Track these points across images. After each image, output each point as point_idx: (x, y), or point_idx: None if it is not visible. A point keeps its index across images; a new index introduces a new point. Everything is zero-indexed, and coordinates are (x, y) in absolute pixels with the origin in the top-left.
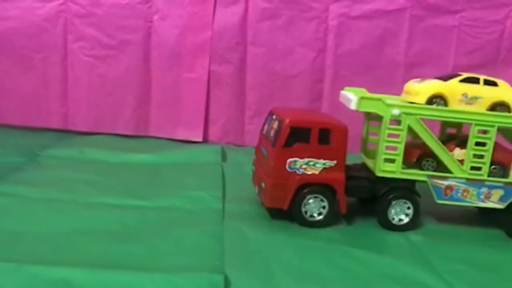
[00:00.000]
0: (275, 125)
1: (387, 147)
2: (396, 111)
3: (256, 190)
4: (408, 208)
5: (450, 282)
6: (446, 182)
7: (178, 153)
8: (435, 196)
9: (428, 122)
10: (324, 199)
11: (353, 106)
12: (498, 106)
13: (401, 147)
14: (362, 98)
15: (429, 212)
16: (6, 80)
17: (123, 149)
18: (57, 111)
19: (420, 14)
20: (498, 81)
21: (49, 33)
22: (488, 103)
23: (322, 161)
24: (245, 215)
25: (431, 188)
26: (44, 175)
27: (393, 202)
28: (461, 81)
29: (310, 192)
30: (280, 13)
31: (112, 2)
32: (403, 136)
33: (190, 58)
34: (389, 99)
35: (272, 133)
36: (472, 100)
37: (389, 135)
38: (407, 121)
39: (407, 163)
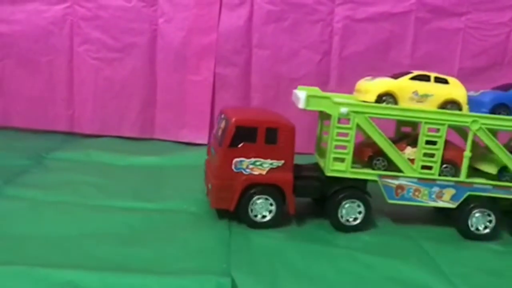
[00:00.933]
0: (223, 124)
1: (337, 146)
2: (344, 110)
3: (206, 191)
4: (359, 210)
5: (458, 286)
6: (397, 182)
7: (184, 156)
8: (386, 196)
9: (384, 121)
10: (272, 200)
11: (301, 105)
12: (449, 104)
13: (350, 146)
14: (310, 96)
15: (436, 215)
16: (13, 83)
17: (129, 151)
18: (63, 113)
19: (426, 17)
20: (450, 78)
21: (55, 36)
22: (439, 101)
23: (269, 161)
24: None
25: (382, 188)
26: (51, 177)
27: (343, 202)
28: (412, 78)
29: (257, 193)
30: (285, 15)
31: (117, 5)
32: (352, 135)
33: (195, 61)
34: (339, 97)
35: (220, 132)
36: (422, 98)
37: (338, 134)
38: (355, 120)
39: (360, 162)
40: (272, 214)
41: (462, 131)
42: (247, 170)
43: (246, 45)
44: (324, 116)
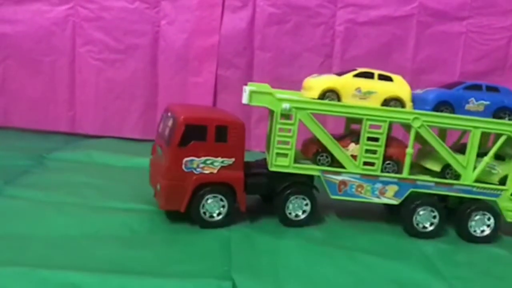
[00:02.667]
0: (170, 122)
1: (280, 142)
2: (286, 106)
3: (153, 192)
4: (306, 203)
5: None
6: (339, 177)
7: None
8: (329, 191)
9: (336, 118)
10: (224, 199)
11: (244, 100)
12: (392, 101)
13: (293, 142)
14: (252, 92)
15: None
16: (15, 83)
17: (130, 152)
18: (65, 114)
19: (427, 21)
20: (394, 76)
21: (57, 36)
22: (382, 98)
23: (220, 159)
24: (252, 220)
25: (325, 183)
26: (51, 178)
27: (291, 198)
28: (355, 76)
29: (208, 192)
30: (288, 18)
31: (120, 6)
32: (295, 130)
33: (197, 63)
34: (285, 93)
35: (167, 131)
36: (366, 95)
37: (281, 130)
38: (298, 116)
39: (307, 158)
40: (224, 213)
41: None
42: (198, 169)
43: (248, 47)
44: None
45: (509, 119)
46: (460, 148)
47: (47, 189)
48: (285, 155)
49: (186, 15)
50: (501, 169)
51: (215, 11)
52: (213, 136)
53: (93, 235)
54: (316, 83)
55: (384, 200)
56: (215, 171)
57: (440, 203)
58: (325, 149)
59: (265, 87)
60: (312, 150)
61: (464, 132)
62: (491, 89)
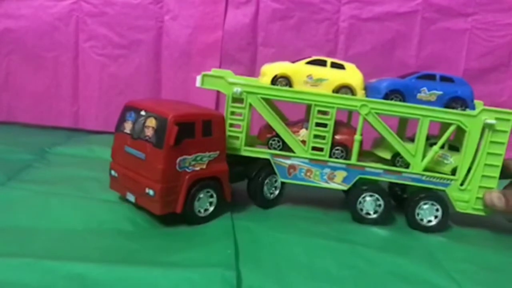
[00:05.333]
0: (151, 122)
1: (232, 125)
2: (237, 90)
3: (131, 198)
4: (276, 185)
5: (459, 281)
6: (289, 161)
7: None
8: (279, 175)
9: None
10: (213, 192)
11: (197, 83)
12: (342, 89)
13: (244, 125)
14: (205, 75)
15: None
16: (18, 79)
17: None
18: (68, 110)
19: (432, 17)
20: (347, 64)
21: (61, 32)
22: (334, 85)
23: (207, 153)
24: (253, 214)
25: (275, 167)
26: (54, 172)
27: (266, 181)
28: (308, 63)
29: (201, 188)
30: (291, 14)
31: (123, 2)
32: (246, 114)
33: (200, 58)
34: (241, 79)
35: (148, 132)
36: (317, 82)
37: (233, 113)
38: (248, 100)
39: (262, 143)
40: (213, 206)
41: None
42: (190, 167)
43: (251, 43)
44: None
45: (462, 110)
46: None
47: (50, 183)
48: (237, 137)
49: (190, 11)
50: (453, 160)
51: (219, 7)
52: (200, 131)
53: (96, 228)
54: (269, 69)
55: (332, 185)
56: (204, 166)
57: (399, 194)
58: (276, 134)
59: (229, 73)
60: (265, 135)
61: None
62: (445, 79)
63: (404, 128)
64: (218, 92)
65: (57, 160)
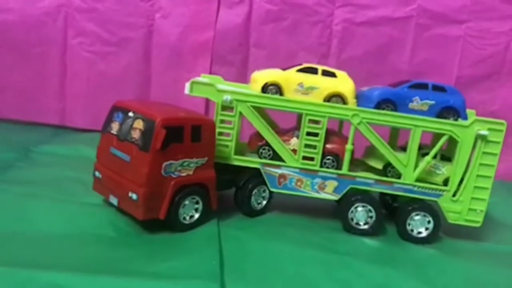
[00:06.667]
0: (139, 124)
1: (221, 134)
2: (227, 98)
3: (114, 201)
4: (264, 195)
5: None
6: (279, 171)
7: None
8: (269, 184)
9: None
10: (199, 199)
11: (186, 90)
12: (334, 97)
13: (233, 134)
14: (194, 82)
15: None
16: (3, 73)
17: None
18: (54, 106)
19: (426, 23)
20: (338, 72)
21: (48, 27)
22: (325, 93)
23: (195, 159)
24: (240, 221)
25: (265, 176)
26: (38, 172)
27: (254, 191)
28: (299, 70)
29: (186, 195)
30: (285, 16)
31: None
32: (236, 122)
33: (191, 58)
34: (231, 85)
35: (134, 134)
36: (308, 90)
37: (222, 121)
38: (238, 108)
39: (252, 151)
40: (199, 213)
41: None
42: (176, 173)
43: (243, 44)
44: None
45: (454, 120)
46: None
47: (32, 184)
48: (226, 146)
49: (181, 9)
50: (445, 170)
51: (211, 6)
52: (189, 136)
53: (78, 233)
54: (259, 77)
55: (323, 196)
56: (191, 172)
57: (390, 202)
58: (267, 142)
59: (218, 79)
60: (256, 143)
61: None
62: (438, 88)
63: (396, 137)
64: None
65: (42, 159)
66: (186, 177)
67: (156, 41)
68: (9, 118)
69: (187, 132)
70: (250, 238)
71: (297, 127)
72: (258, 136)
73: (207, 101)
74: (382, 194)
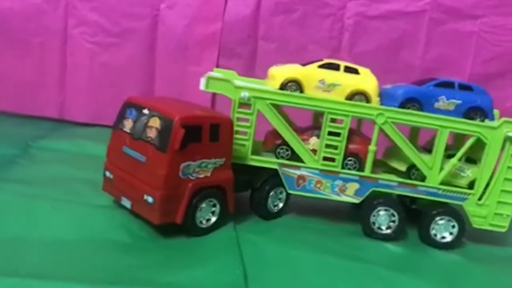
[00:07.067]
0: (155, 123)
1: (238, 132)
2: (245, 94)
3: (127, 204)
4: (281, 196)
5: None
6: (298, 172)
7: None
8: (287, 186)
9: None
10: (216, 202)
11: (202, 86)
12: (357, 95)
13: (251, 132)
14: (210, 78)
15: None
16: (0, 65)
17: None
18: (54, 99)
19: (440, 18)
20: (361, 68)
21: (48, 16)
22: (347, 91)
23: (213, 160)
24: (257, 225)
25: (283, 178)
26: (40, 170)
27: (271, 194)
28: (320, 66)
29: (203, 197)
30: (295, 7)
31: None
32: (253, 120)
33: (197, 51)
34: (247, 81)
35: (150, 133)
36: (329, 87)
37: (239, 119)
38: (257, 105)
39: (268, 150)
40: (216, 216)
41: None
42: (194, 174)
43: (252, 36)
44: None
45: (481, 120)
46: (431, 148)
47: (36, 184)
48: (243, 145)
49: None
50: (470, 172)
51: None
52: (207, 136)
53: (90, 239)
54: (278, 73)
55: (344, 198)
56: (208, 174)
57: (408, 204)
58: (284, 142)
59: (232, 74)
60: (273, 142)
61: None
62: (464, 87)
63: (416, 137)
64: None
65: (42, 155)
66: (204, 178)
67: (161, 33)
68: (5, 110)
69: (205, 131)
70: (269, 244)
71: (315, 126)
72: (275, 134)
73: (214, 96)
74: (400, 195)
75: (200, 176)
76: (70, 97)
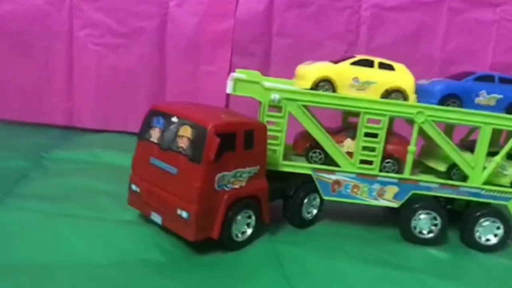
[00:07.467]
0: (186, 132)
1: (268, 136)
2: (275, 96)
3: (157, 219)
4: (314, 203)
5: None
6: (333, 177)
7: None
8: (322, 192)
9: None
10: (252, 213)
11: (229, 89)
12: (393, 93)
13: (282, 137)
14: (238, 80)
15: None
16: (3, 70)
17: None
18: (61, 105)
19: (459, 7)
20: (396, 64)
21: (52, 18)
22: (383, 89)
23: (247, 169)
24: (292, 235)
25: (317, 183)
26: (56, 184)
27: (305, 201)
28: (353, 63)
29: (239, 209)
30: (310, 1)
31: None
32: (284, 124)
33: (209, 49)
34: (275, 82)
35: (181, 142)
36: (364, 85)
37: (269, 123)
38: (288, 108)
39: (298, 154)
40: (251, 228)
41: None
42: (229, 185)
43: (265, 33)
44: None
45: None
46: (469, 146)
47: (54, 200)
48: (274, 151)
49: None
50: None
51: None
52: (242, 143)
53: (121, 260)
54: (308, 72)
55: (382, 203)
56: (243, 183)
57: (443, 205)
58: (317, 145)
59: (255, 75)
60: (304, 145)
61: (474, 128)
62: (505, 80)
63: (451, 135)
64: None
65: (57, 167)
66: (239, 189)
67: (171, 32)
68: (10, 119)
69: (239, 139)
70: (311, 257)
71: (346, 126)
72: (305, 137)
73: (227, 96)
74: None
75: (235, 187)
76: (78, 102)
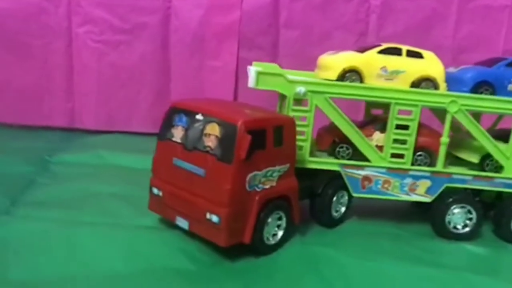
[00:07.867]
0: (213, 130)
1: None
2: (300, 89)
3: (184, 224)
4: (342, 200)
5: None
6: (363, 172)
7: None
8: (351, 188)
9: (353, 101)
10: (282, 214)
11: (251, 83)
12: (423, 82)
13: (308, 132)
14: (260, 73)
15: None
16: (0, 71)
17: (146, 151)
18: (62, 106)
19: None
20: (425, 52)
21: (50, 15)
22: (412, 78)
23: (277, 167)
24: (322, 235)
25: (346, 180)
26: (66, 190)
27: (334, 199)
28: (380, 52)
29: (270, 211)
30: None
31: None
32: (311, 118)
33: (215, 43)
34: (296, 74)
35: (209, 141)
36: (392, 74)
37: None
38: (314, 101)
39: (322, 150)
40: (282, 230)
41: (441, 114)
42: (260, 185)
43: (272, 24)
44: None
45: None
46: (498, 135)
47: (68, 206)
48: (300, 147)
49: None
50: None
51: None
52: (271, 140)
53: (148, 269)
54: (334, 62)
55: (414, 198)
56: (274, 183)
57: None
58: (343, 139)
59: (273, 67)
60: (329, 140)
61: (501, 117)
62: None
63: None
64: (236, 84)
65: (64, 171)
66: (270, 189)
67: (175, 26)
68: (9, 122)
69: (269, 136)
70: (347, 258)
71: (373, 119)
72: (330, 132)
73: (236, 90)
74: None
75: (266, 187)
76: (79, 103)
